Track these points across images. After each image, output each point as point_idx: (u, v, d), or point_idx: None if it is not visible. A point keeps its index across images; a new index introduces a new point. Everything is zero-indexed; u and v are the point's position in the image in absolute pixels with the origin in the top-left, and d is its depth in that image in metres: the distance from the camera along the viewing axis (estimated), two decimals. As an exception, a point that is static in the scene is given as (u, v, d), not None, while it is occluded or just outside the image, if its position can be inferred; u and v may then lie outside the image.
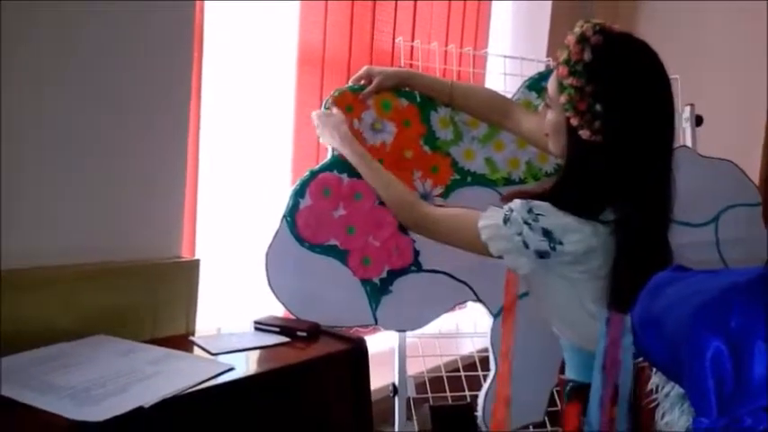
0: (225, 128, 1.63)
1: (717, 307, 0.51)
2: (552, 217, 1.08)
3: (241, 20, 1.64)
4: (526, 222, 1.09)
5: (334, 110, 1.42)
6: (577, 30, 1.10)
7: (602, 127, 1.08)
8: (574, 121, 1.10)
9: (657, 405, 0.69)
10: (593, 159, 1.10)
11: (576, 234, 1.08)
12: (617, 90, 1.08)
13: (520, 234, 1.09)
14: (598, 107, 1.07)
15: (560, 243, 1.07)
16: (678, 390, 0.65)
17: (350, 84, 1.49)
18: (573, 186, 1.13)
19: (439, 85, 1.49)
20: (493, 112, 1.48)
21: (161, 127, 1.29)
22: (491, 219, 1.14)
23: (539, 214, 1.09)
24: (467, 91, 1.51)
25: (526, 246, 1.09)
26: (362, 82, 1.47)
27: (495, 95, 1.51)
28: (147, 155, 1.27)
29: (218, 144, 1.60)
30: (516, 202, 1.11)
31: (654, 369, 0.79)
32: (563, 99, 1.10)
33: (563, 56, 1.10)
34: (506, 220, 1.11)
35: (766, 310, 0.50)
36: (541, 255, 1.09)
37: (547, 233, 1.08)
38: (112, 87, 1.20)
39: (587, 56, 1.07)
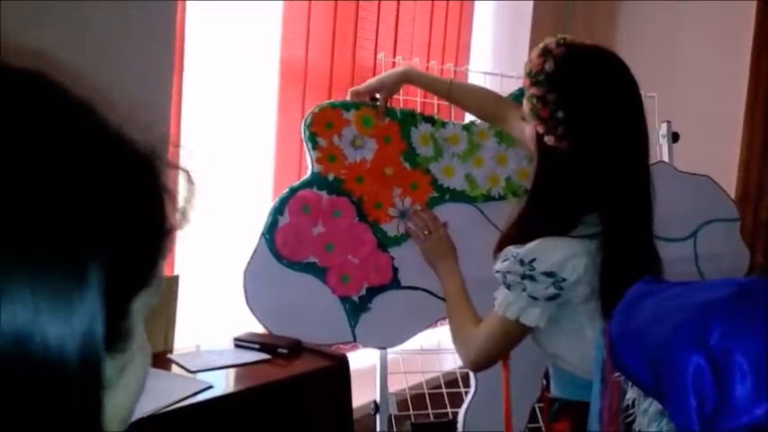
0: (205, 142, 1.63)
1: (697, 323, 0.51)
2: (545, 255, 1.09)
3: (223, 35, 1.65)
4: (524, 276, 1.09)
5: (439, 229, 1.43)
6: (542, 44, 1.13)
7: (565, 133, 1.09)
8: (539, 129, 1.12)
9: (633, 420, 0.70)
10: (561, 166, 1.12)
11: (572, 260, 1.08)
12: (578, 96, 1.10)
13: (524, 290, 1.10)
14: (560, 114, 1.09)
15: (564, 279, 1.08)
16: (657, 406, 0.65)
17: (346, 99, 1.49)
18: (546, 195, 1.14)
19: (439, 83, 1.51)
20: (487, 114, 1.50)
21: (140, 138, 1.28)
22: (500, 297, 1.15)
23: (532, 260, 1.09)
24: (465, 88, 1.54)
25: (534, 298, 1.10)
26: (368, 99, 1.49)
27: (492, 99, 1.50)
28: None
29: (198, 159, 1.60)
30: (506, 264, 1.12)
31: (630, 384, 0.79)
32: (526, 108, 1.12)
33: (526, 68, 1.12)
34: (509, 287, 1.12)
35: (745, 325, 0.50)
36: (551, 298, 1.10)
37: (549, 275, 1.08)
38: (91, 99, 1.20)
39: (549, 66, 1.10)
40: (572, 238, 1.10)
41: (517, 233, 1.16)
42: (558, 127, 1.09)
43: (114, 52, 1.22)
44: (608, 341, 1.01)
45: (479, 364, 1.24)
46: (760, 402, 0.46)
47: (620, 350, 0.63)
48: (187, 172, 0.41)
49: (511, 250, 1.12)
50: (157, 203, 0.38)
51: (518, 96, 1.63)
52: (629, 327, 0.62)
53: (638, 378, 0.61)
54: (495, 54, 2.45)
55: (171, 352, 1.27)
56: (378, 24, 2.01)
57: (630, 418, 0.69)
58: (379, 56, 1.84)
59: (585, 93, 1.10)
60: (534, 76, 1.11)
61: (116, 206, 0.35)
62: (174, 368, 1.19)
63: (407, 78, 1.48)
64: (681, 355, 0.50)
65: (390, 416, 1.62)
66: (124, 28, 1.22)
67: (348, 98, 1.50)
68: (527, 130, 1.18)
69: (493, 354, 1.21)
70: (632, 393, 0.67)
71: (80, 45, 1.17)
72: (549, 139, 1.11)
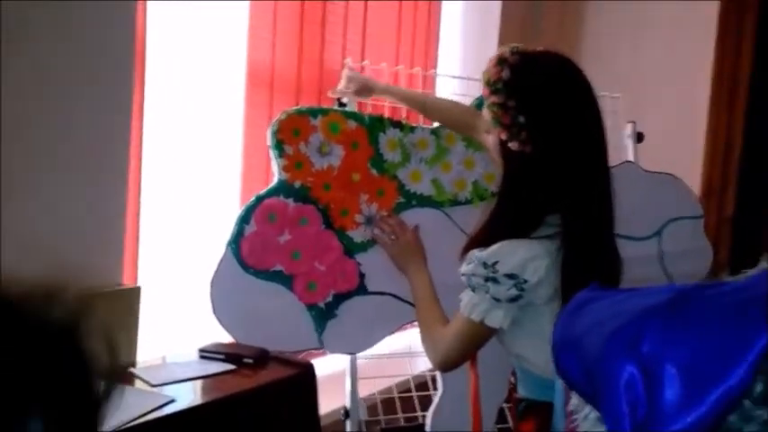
0: (170, 149, 1.61)
1: (630, 332, 0.52)
2: (507, 257, 1.11)
3: (188, 39, 1.62)
4: (487, 279, 1.11)
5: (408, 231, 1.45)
6: (496, 54, 1.15)
7: (528, 137, 1.12)
8: (503, 136, 1.14)
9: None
10: (526, 169, 1.14)
11: (534, 262, 1.10)
12: (537, 100, 1.12)
13: (487, 292, 1.12)
14: (521, 119, 1.11)
15: (525, 281, 1.10)
16: (596, 412, 0.66)
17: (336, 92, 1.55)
18: (511, 198, 1.16)
19: (414, 97, 1.61)
20: (459, 125, 1.55)
21: (99, 148, 1.27)
22: (465, 299, 1.17)
23: (495, 263, 1.11)
24: (438, 101, 1.64)
25: (497, 300, 1.12)
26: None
27: (463, 110, 1.57)
28: (84, 178, 1.24)
29: (162, 166, 1.58)
30: (470, 267, 1.14)
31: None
32: (488, 116, 1.14)
33: (484, 78, 1.14)
34: (473, 289, 1.14)
35: (677, 332, 0.51)
36: (513, 299, 1.12)
37: (511, 276, 1.10)
38: (48, 109, 1.17)
39: (505, 74, 1.12)
40: (532, 240, 1.12)
41: (483, 237, 1.18)
42: (520, 132, 1.12)
43: (70, 57, 1.19)
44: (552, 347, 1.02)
45: (447, 364, 1.26)
46: (689, 409, 0.47)
47: (560, 356, 0.63)
48: (111, 342, 0.45)
49: (475, 253, 1.14)
50: (86, 379, 0.42)
51: (479, 105, 1.65)
52: (569, 333, 0.63)
53: (576, 384, 0.62)
54: (464, 56, 2.46)
55: (134, 365, 1.26)
56: (345, 27, 2.01)
57: (575, 423, 0.70)
58: (345, 60, 1.84)
59: (543, 96, 1.13)
60: (493, 85, 1.13)
61: (55, 386, 0.39)
62: (138, 382, 1.17)
63: (387, 92, 1.59)
64: (614, 363, 0.51)
65: (361, 421, 1.62)
66: (81, 31, 1.20)
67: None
68: (490, 138, 1.19)
69: (460, 354, 1.23)
70: (576, 398, 0.68)
71: (39, 47, 1.14)
72: (512, 145, 1.13)
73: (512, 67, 1.12)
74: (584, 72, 1.15)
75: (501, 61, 1.13)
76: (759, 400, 0.45)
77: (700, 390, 0.47)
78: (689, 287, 0.55)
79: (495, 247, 1.12)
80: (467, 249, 1.18)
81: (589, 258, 1.13)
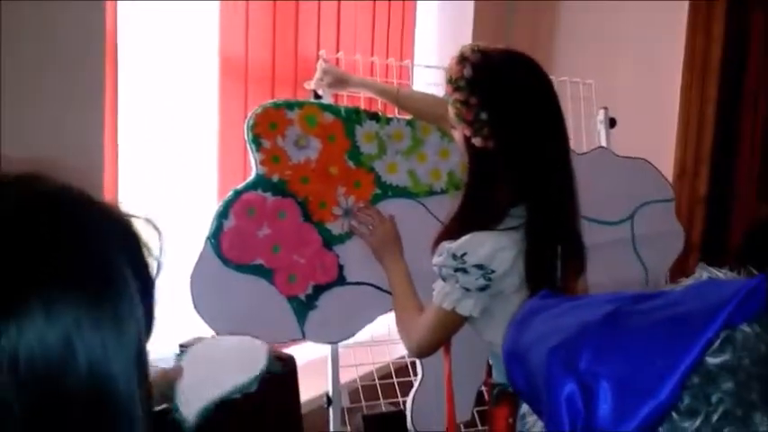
0: (145, 145, 1.60)
1: (569, 347, 0.55)
2: (475, 248, 1.15)
3: (158, 32, 1.61)
4: (457, 270, 1.16)
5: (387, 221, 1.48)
6: (458, 52, 1.17)
7: (490, 133, 1.15)
8: (467, 132, 1.17)
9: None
10: (489, 164, 1.19)
11: (500, 253, 1.15)
12: (498, 96, 1.17)
13: (457, 282, 1.16)
14: (483, 115, 1.15)
15: (493, 271, 1.15)
16: (541, 423, 0.69)
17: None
18: (477, 192, 1.21)
19: (387, 89, 1.65)
20: (433, 115, 1.56)
21: (74, 144, 1.26)
22: (437, 289, 1.21)
23: (463, 254, 1.15)
24: (412, 94, 1.68)
25: (467, 289, 1.16)
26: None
27: (437, 100, 1.58)
28: (59, 174, 1.24)
29: (138, 163, 1.57)
30: (441, 258, 1.19)
31: None
32: (451, 113, 1.17)
33: (446, 76, 1.17)
34: (444, 279, 1.19)
35: (611, 348, 0.54)
36: (482, 289, 1.16)
37: (479, 267, 1.14)
38: (19, 107, 1.17)
39: (467, 72, 1.15)
40: (500, 232, 1.17)
41: (452, 229, 1.22)
42: (483, 128, 1.15)
43: (41, 54, 1.19)
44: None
45: (422, 351, 1.31)
46: (621, 423, 0.50)
47: (509, 367, 0.66)
48: (153, 223, 0.50)
49: (445, 245, 1.18)
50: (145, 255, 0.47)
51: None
52: (517, 345, 0.65)
53: (523, 395, 0.65)
54: (440, 46, 2.46)
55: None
56: (319, 18, 2.00)
57: (526, 427, 0.72)
58: (321, 52, 1.84)
59: (504, 93, 1.17)
60: (455, 83, 1.17)
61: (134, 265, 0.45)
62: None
63: (362, 85, 1.62)
64: (555, 379, 0.54)
65: (343, 408, 1.65)
66: (50, 27, 1.19)
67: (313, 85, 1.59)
68: (455, 135, 1.23)
69: (433, 342, 1.28)
70: (526, 406, 0.71)
71: (10, 45, 1.13)
72: (476, 141, 1.16)
73: (473, 64, 1.15)
74: (542, 68, 1.19)
75: (463, 59, 1.17)
76: (686, 413, 0.49)
77: (632, 405, 0.50)
78: (628, 298, 0.58)
79: (463, 239, 1.16)
80: (438, 241, 1.23)
81: (551, 249, 1.18)
